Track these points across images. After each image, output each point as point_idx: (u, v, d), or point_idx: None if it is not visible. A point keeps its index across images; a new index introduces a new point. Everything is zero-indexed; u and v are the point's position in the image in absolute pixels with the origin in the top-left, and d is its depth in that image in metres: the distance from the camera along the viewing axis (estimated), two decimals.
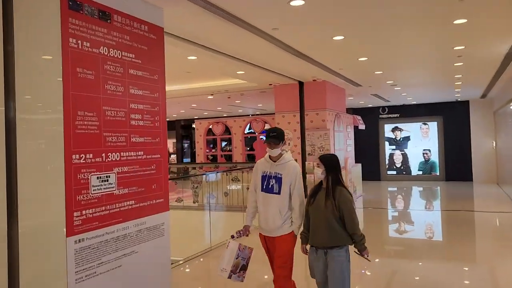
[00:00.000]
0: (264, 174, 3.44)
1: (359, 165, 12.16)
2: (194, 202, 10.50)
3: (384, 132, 16.44)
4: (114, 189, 3.17)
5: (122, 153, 3.25)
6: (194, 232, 8.40)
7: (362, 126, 11.92)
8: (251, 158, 14.11)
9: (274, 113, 9.37)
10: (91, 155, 2.97)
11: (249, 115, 11.73)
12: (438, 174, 15.67)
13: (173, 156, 22.28)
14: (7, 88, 2.76)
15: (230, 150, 15.45)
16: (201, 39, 5.41)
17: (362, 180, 16.39)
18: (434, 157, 15.76)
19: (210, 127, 10.89)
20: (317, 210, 3.13)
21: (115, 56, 3.23)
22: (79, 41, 2.91)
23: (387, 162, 16.37)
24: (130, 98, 3.36)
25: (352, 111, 16.42)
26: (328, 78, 8.87)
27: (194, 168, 10.65)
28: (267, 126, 11.58)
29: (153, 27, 3.67)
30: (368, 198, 11.72)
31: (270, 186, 3.37)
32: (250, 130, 10.91)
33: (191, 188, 10.55)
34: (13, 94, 2.78)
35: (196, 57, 6.19)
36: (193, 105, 13.39)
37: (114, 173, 3.18)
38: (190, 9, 4.19)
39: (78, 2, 2.91)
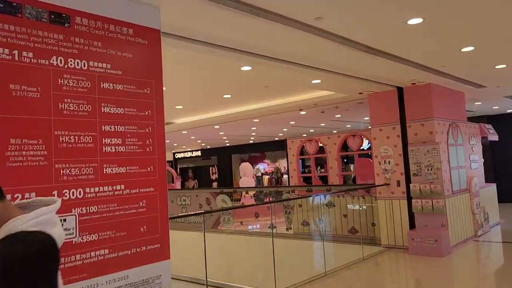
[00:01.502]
0: None
1: (493, 185, 9.71)
2: (287, 229, 9.55)
3: None
4: (74, 236, 2.47)
5: (87, 189, 2.56)
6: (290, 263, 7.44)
7: (493, 137, 9.53)
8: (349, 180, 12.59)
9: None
10: (33, 193, 2.33)
11: (345, 131, 10.38)
12: None
13: (285, 177, 21.69)
14: None
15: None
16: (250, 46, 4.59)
17: (503, 203, 13.34)
18: None
19: (304, 145, 9.88)
20: None
21: (78, 67, 2.58)
22: (15, 51, 2.33)
23: None
24: (102, 119, 2.67)
25: (487, 119, 13.64)
26: (433, 80, 7.16)
27: (288, 192, 9.72)
28: (365, 142, 10.09)
29: (141, 30, 2.96)
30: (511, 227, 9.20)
31: None
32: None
33: (284, 213, 9.64)
34: None
35: (250, 67, 5.38)
36: (291, 122, 12.58)
37: (74, 215, 2.49)
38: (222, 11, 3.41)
39: (14, 4, 2.35)
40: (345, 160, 15.73)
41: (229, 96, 8.31)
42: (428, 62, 5.94)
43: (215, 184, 22.51)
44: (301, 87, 8.14)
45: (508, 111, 13.08)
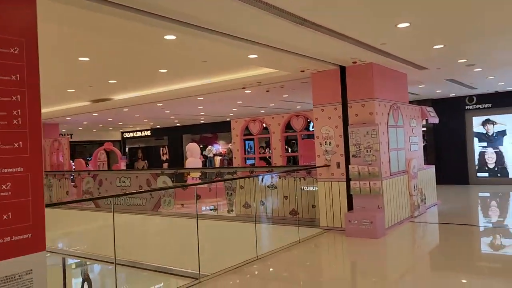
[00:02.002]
0: None
1: (432, 167, 9.87)
2: (228, 212, 9.27)
3: (473, 126, 13.62)
4: None
5: None
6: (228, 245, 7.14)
7: (434, 119, 9.63)
8: (292, 161, 12.48)
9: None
10: None
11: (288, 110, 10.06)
12: None
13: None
14: None
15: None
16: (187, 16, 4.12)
17: (445, 184, 13.78)
18: None
19: (248, 125, 9.55)
20: None
21: None
22: None
23: (477, 162, 13.54)
24: None
25: (432, 102, 13.90)
26: (375, 60, 6.99)
27: (232, 174, 9.40)
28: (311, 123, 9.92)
29: None
30: (447, 208, 9.40)
31: None
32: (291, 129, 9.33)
33: (226, 195, 9.34)
34: None
35: (175, 37, 4.90)
36: (238, 102, 12.20)
37: None
38: None
39: None
40: (294, 142, 15.61)
41: (165, 71, 7.77)
42: (366, 39, 5.71)
43: (166, 165, 21.87)
44: (244, 64, 7.75)
45: (451, 95, 13.37)
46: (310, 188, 8.09)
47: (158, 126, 21.13)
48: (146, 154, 23.48)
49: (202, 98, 10.68)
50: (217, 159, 20.53)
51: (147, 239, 8.61)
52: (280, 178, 8.52)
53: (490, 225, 8.01)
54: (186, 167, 13.62)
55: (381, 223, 6.87)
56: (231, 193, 9.17)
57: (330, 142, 7.56)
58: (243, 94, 10.36)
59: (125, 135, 23.38)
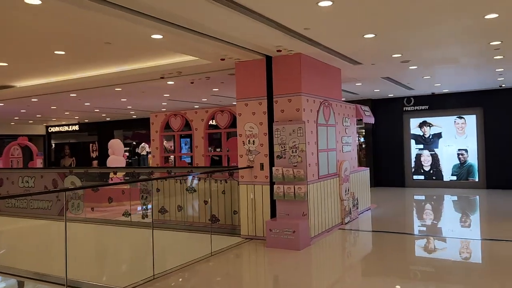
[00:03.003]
0: None
1: (366, 170, 9.37)
2: (143, 218, 8.17)
3: (410, 128, 13.47)
4: None
5: None
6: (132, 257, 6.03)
7: (369, 119, 9.12)
8: (216, 162, 11.61)
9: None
10: None
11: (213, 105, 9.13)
12: (477, 180, 12.53)
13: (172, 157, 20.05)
14: None
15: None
16: None
17: (382, 187, 13.53)
18: (472, 158, 12.61)
19: (168, 120, 8.52)
20: None
21: None
22: None
23: (413, 164, 13.40)
24: None
25: (371, 103, 13.59)
26: (303, 50, 6.25)
27: (150, 174, 8.31)
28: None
29: None
30: (381, 213, 8.92)
31: None
32: (215, 124, 8.42)
33: (140, 199, 8.24)
34: None
35: (40, 2, 3.80)
36: (165, 95, 11.09)
37: None
38: None
39: None
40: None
41: (62, 53, 6.56)
42: (288, 22, 4.91)
43: (95, 163, 20.18)
44: (156, 49, 6.71)
45: (389, 95, 13.10)
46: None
47: (87, 121, 19.41)
48: (74, 151, 21.62)
49: (120, 89, 9.48)
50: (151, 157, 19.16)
51: (44, 247, 7.33)
52: (199, 180, 7.58)
53: (424, 228, 7.57)
54: (108, 165, 12.30)
55: (305, 232, 6.13)
56: (146, 197, 8.09)
57: (253, 141, 6.72)
58: (166, 86, 9.30)
59: (50, 129, 21.35)
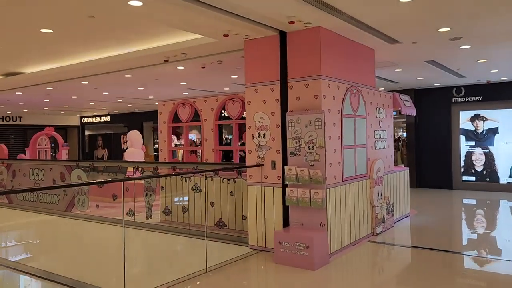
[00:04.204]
0: None
1: (405, 170, 8.02)
2: (147, 218, 7.36)
3: (459, 122, 11.82)
4: None
5: None
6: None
7: (409, 111, 7.75)
8: (228, 157, 10.52)
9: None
10: None
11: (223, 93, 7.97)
12: None
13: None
14: None
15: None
16: None
17: (425, 188, 12.00)
18: None
19: (177, 110, 7.63)
20: None
21: None
22: None
23: (462, 164, 11.76)
24: None
25: (414, 93, 12.07)
26: (324, 23, 5.08)
27: (154, 170, 7.46)
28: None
29: None
30: (422, 221, 7.58)
31: None
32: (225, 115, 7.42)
33: (144, 197, 7.42)
34: None
35: None
36: (182, 83, 10.23)
37: None
38: None
39: None
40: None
41: (49, 31, 5.79)
42: None
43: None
44: (156, 29, 5.81)
45: (436, 84, 11.52)
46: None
47: (116, 112, 19.09)
48: (106, 142, 21.47)
49: (130, 76, 8.70)
50: (180, 151, 18.52)
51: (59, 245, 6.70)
52: (206, 178, 6.61)
53: (474, 244, 6.20)
54: (125, 159, 11.67)
55: (322, 247, 5.00)
56: (151, 195, 7.25)
57: (264, 134, 5.65)
58: (178, 73, 8.41)
59: (83, 120, 21.31)
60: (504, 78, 10.47)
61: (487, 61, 7.84)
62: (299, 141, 5.26)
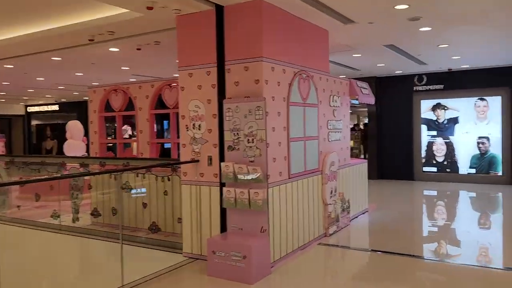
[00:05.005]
0: None
1: (363, 163, 7.48)
2: (73, 221, 6.45)
3: (421, 112, 11.46)
4: None
5: None
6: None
7: (366, 99, 7.17)
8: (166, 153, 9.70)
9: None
10: None
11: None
12: (500, 174, 10.55)
13: None
14: None
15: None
16: None
17: (387, 179, 11.63)
18: (495, 148, 10.61)
19: (109, 98, 6.72)
20: None
21: None
22: None
23: (424, 154, 11.45)
24: None
25: (376, 81, 11.60)
26: None
27: (82, 166, 6.54)
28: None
29: None
30: (381, 217, 7.07)
31: None
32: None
33: (71, 197, 6.51)
34: None
35: None
36: (123, 67, 9.26)
37: None
38: None
39: None
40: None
41: None
42: None
43: None
44: (77, 1, 4.88)
45: (397, 72, 11.07)
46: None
47: (64, 100, 17.74)
48: (56, 133, 20.03)
49: (60, 59, 7.68)
50: (134, 144, 17.43)
51: None
52: (137, 176, 5.79)
53: (434, 247, 5.71)
54: (64, 151, 10.60)
55: (263, 256, 4.32)
56: (77, 194, 6.36)
57: (200, 125, 4.88)
58: (114, 55, 7.46)
59: (28, 109, 19.76)
60: (465, 66, 10.13)
61: (448, 46, 7.36)
62: (237, 133, 4.53)
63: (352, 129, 16.44)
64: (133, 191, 6.22)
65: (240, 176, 4.42)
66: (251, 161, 4.45)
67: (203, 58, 4.83)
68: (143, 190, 6.02)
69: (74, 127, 10.42)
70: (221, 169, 4.59)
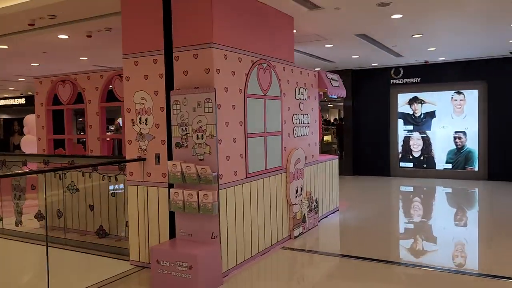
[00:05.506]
0: None
1: (333, 159, 7.09)
2: (17, 224, 5.89)
3: (397, 105, 11.16)
4: None
5: None
6: None
7: (338, 91, 6.75)
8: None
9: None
10: None
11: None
12: (476, 169, 10.34)
13: None
14: None
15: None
16: None
17: (360, 175, 11.32)
18: (472, 143, 10.39)
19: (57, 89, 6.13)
20: None
21: None
22: None
23: (400, 149, 11.16)
24: None
25: (352, 74, 11.24)
26: None
27: (22, 165, 5.96)
28: None
29: None
30: (353, 216, 6.69)
31: None
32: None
33: (13, 198, 5.93)
34: None
35: None
36: (82, 58, 8.64)
37: None
38: None
39: None
40: None
41: None
42: None
43: None
44: None
45: (373, 64, 10.72)
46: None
47: (30, 93, 16.91)
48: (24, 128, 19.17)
49: (6, 47, 7.05)
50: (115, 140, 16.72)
51: None
52: (83, 175, 5.27)
53: (409, 248, 5.36)
54: (21, 147, 9.96)
55: (212, 266, 3.87)
56: (20, 195, 5.79)
57: (146, 119, 4.39)
58: (65, 43, 6.87)
59: None
60: (442, 59, 9.85)
61: (422, 36, 7.00)
62: (186, 128, 4.05)
63: (332, 124, 16.14)
64: (111, 187, 5.65)
65: (187, 177, 3.95)
66: (201, 160, 3.99)
67: (149, 45, 4.33)
68: (121, 186, 5.45)
69: (31, 121, 9.75)
70: (168, 169, 4.12)
